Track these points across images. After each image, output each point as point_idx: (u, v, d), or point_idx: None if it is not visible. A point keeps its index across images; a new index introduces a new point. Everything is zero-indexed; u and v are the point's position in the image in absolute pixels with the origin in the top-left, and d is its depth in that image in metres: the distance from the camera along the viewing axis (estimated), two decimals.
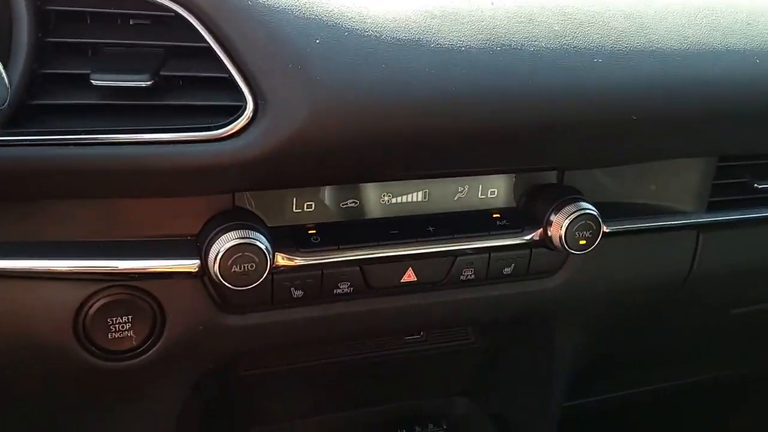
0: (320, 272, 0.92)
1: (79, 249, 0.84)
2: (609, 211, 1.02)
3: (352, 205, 0.95)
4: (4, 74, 0.69)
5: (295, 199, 0.92)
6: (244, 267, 0.83)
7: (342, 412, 1.36)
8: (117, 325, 0.86)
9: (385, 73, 0.76)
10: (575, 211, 0.97)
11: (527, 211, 1.01)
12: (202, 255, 0.84)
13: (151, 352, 0.89)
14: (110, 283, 0.85)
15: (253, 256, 0.83)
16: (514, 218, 1.00)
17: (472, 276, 1.00)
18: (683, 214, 1.09)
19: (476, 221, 0.99)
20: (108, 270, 0.84)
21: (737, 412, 1.94)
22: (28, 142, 0.74)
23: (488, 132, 0.82)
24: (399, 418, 1.39)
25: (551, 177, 1.04)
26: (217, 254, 0.82)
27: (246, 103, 0.76)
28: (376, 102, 0.77)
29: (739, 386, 1.85)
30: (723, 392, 1.88)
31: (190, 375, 0.97)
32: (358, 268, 0.94)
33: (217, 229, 0.84)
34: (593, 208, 0.98)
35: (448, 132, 0.80)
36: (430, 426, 1.39)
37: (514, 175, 1.01)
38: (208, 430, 1.20)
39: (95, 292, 0.84)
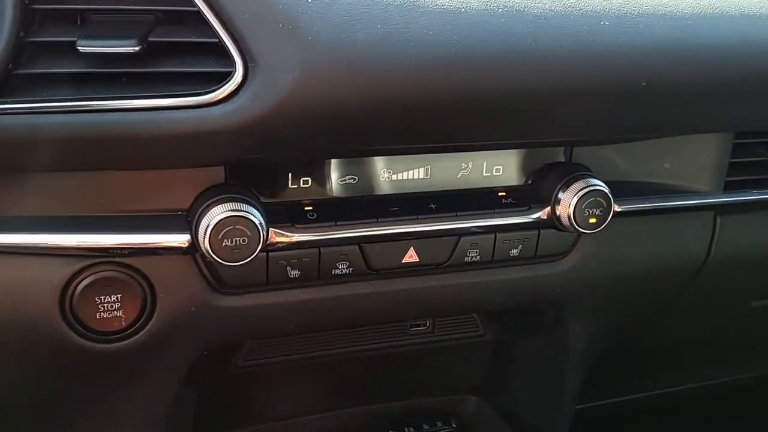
0: (317, 251, 0.88)
1: (65, 223, 0.81)
2: (620, 190, 0.98)
3: (351, 181, 0.91)
4: None
5: (290, 175, 0.89)
6: (235, 241, 0.80)
7: (346, 408, 1.32)
8: (105, 305, 0.83)
9: (380, 34, 0.73)
10: (584, 188, 0.93)
11: (534, 189, 0.97)
12: (193, 229, 0.81)
13: (141, 333, 0.85)
14: (98, 260, 0.81)
15: (245, 229, 0.80)
16: (521, 196, 0.96)
17: (477, 257, 0.96)
18: (699, 194, 1.04)
19: (481, 199, 0.95)
20: (95, 245, 0.80)
21: (761, 418, 1.86)
22: (13, 111, 0.72)
23: (488, 98, 0.79)
24: (407, 415, 1.34)
25: (559, 155, 1.00)
26: (207, 227, 0.79)
27: (236, 67, 0.73)
28: (371, 63, 0.73)
29: (761, 389, 1.78)
30: (744, 395, 1.81)
31: (183, 361, 0.93)
32: (356, 247, 0.90)
33: (208, 203, 0.81)
34: (603, 185, 0.94)
35: (445, 97, 0.77)
36: (439, 424, 1.34)
37: (520, 151, 0.97)
38: (202, 424, 1.16)
39: (82, 269, 0.81)
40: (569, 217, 0.94)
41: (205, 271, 0.86)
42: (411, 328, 1.19)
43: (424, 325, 1.20)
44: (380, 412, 1.34)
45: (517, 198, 0.96)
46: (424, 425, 1.33)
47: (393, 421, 1.33)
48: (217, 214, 0.79)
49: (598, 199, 0.94)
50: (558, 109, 0.83)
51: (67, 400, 0.93)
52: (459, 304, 1.01)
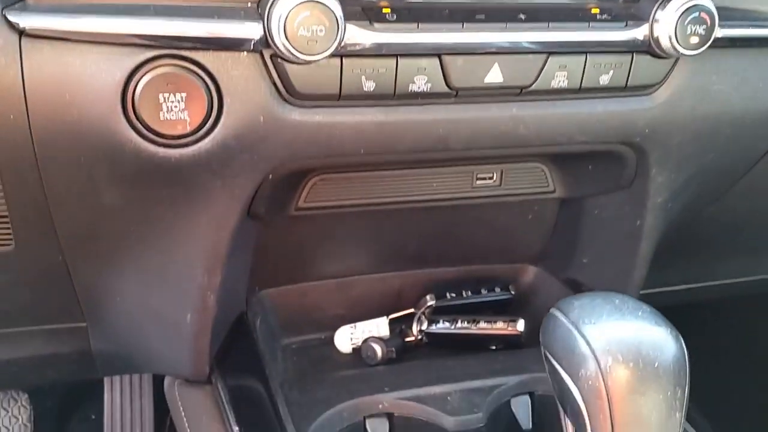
0: (395, 60, 0.81)
1: (127, 10, 0.74)
2: (720, 15, 0.89)
3: None
4: None
5: None
6: (312, 31, 0.73)
7: (404, 270, 1.27)
8: (170, 104, 0.77)
9: None
10: (687, 3, 0.84)
11: (631, 8, 0.89)
12: (265, 18, 0.74)
13: (206, 140, 0.80)
14: (162, 51, 0.75)
15: (322, 17, 0.73)
16: (617, 14, 0.87)
17: (565, 83, 0.88)
18: None
19: (573, 13, 0.86)
20: (159, 33, 0.74)
21: None
22: None
23: None
24: (464, 280, 1.29)
25: None
26: (282, 14, 0.72)
27: None
28: None
29: None
30: None
31: (247, 181, 0.87)
32: (437, 60, 0.83)
33: None
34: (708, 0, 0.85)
35: None
36: (498, 290, 1.29)
37: None
38: (257, 274, 1.12)
39: (145, 62, 0.75)
40: (669, 37, 0.86)
41: (275, 76, 0.80)
42: (477, 180, 1.12)
43: (491, 177, 1.13)
44: (437, 276, 1.29)
45: (613, 15, 0.87)
46: (482, 290, 1.28)
47: (450, 284, 1.28)
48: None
49: (702, 15, 0.85)
50: None
51: (126, 217, 0.88)
52: (539, 138, 0.94)
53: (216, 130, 0.80)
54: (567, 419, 0.71)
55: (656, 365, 0.64)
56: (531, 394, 1.11)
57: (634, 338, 0.66)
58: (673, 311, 1.65)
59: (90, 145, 0.79)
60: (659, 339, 0.66)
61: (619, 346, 0.65)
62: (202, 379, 1.06)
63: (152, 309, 1.02)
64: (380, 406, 1.04)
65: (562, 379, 0.67)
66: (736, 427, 1.10)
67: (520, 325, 1.18)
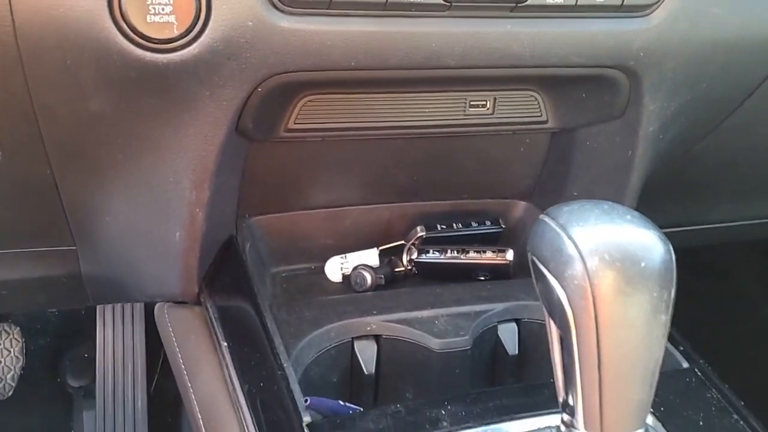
0: None
1: None
2: None
3: None
4: None
5: None
6: None
7: (394, 203, 1.27)
8: (156, 6, 0.76)
9: None
10: None
11: None
12: None
13: (194, 45, 0.79)
14: None
15: None
16: None
17: None
18: None
19: None
20: None
21: None
22: None
23: None
24: (455, 213, 1.29)
25: None
26: None
27: None
28: None
29: None
30: None
31: (236, 91, 0.86)
32: None
33: None
34: None
35: None
36: (488, 223, 1.29)
37: None
38: (243, 204, 1.11)
39: None
40: None
41: None
42: (470, 108, 1.12)
43: (483, 105, 1.12)
44: (428, 209, 1.29)
45: None
46: (473, 222, 1.28)
47: (440, 218, 1.28)
48: None
49: None
50: None
51: (113, 128, 0.87)
52: (533, 57, 0.93)
53: (204, 35, 0.79)
54: (552, 327, 0.71)
55: (643, 265, 0.64)
56: (518, 321, 1.12)
57: (621, 239, 0.65)
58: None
59: (76, 46, 0.77)
60: (647, 241, 0.66)
61: (606, 246, 0.64)
62: (191, 299, 1.06)
63: (141, 228, 1.02)
64: (368, 328, 1.04)
65: (548, 282, 0.67)
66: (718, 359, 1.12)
67: (510, 255, 1.19)
